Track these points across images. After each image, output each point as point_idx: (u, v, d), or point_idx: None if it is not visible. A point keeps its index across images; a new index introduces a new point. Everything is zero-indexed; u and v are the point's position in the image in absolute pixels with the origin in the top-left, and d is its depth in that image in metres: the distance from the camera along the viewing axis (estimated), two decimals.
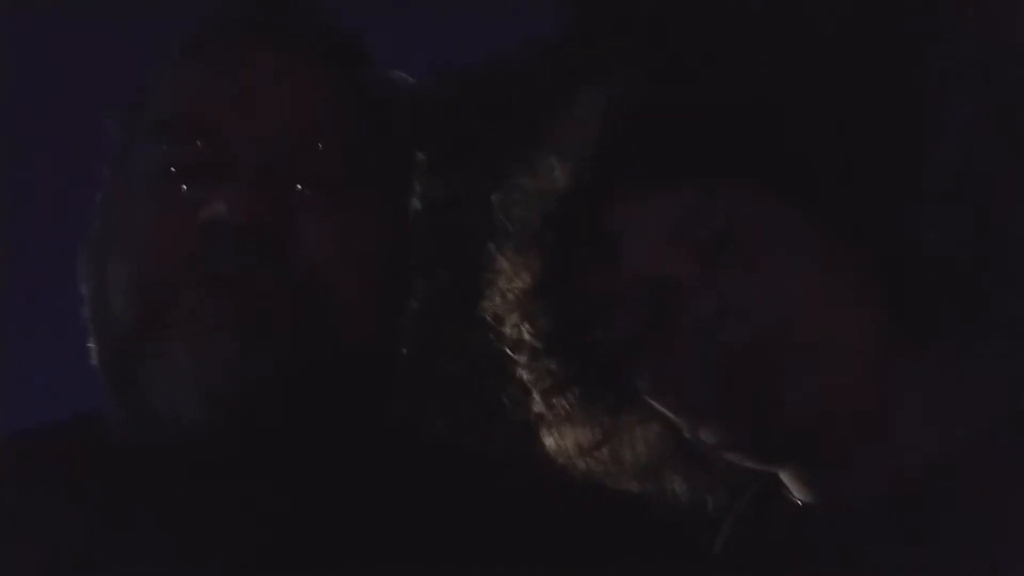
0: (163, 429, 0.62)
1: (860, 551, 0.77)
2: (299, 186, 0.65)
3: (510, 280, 0.89)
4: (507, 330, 0.90)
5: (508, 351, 0.91)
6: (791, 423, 0.76)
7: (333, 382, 0.64)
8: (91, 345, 0.69)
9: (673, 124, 0.82)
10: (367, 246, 0.67)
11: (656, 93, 0.85)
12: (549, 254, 0.86)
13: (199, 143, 0.65)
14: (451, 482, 0.67)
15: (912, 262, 0.79)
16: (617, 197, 0.82)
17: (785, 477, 0.85)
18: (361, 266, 0.67)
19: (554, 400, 0.89)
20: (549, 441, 0.91)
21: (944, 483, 0.75)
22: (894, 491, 0.77)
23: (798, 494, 0.85)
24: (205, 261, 0.62)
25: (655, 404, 0.85)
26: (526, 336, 0.89)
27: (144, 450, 0.66)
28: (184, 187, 0.65)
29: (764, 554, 0.86)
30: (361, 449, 0.67)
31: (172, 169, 0.65)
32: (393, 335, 0.73)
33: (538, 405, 0.91)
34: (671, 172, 0.80)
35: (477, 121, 4.75)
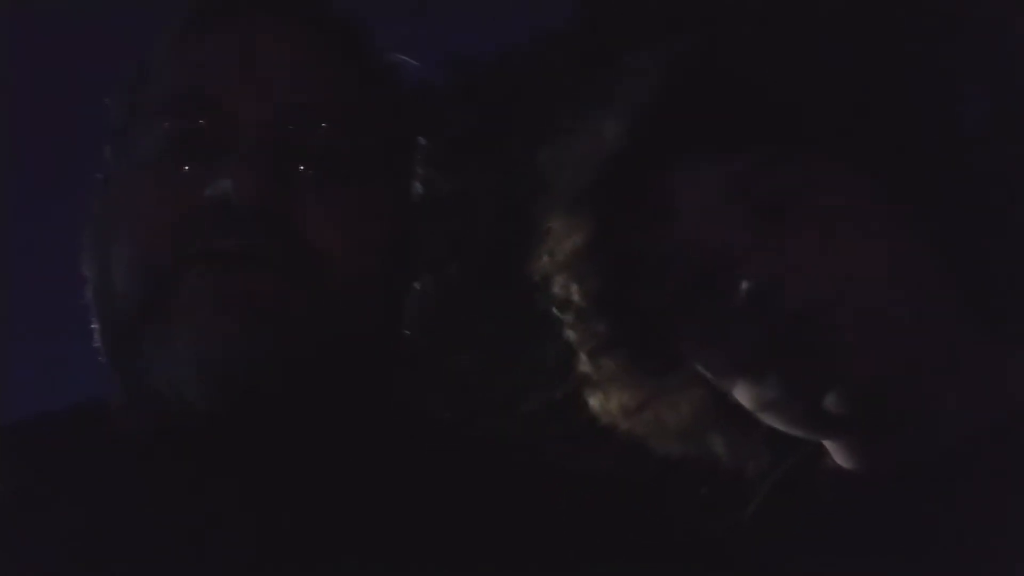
0: (166, 409, 0.62)
1: (899, 520, 0.78)
2: (302, 166, 0.65)
3: (559, 240, 0.89)
4: (555, 290, 0.90)
5: (555, 311, 0.91)
6: (845, 393, 0.76)
7: (335, 363, 0.64)
8: (94, 326, 0.69)
9: (732, 89, 0.81)
10: (370, 226, 0.67)
11: (715, 57, 0.85)
12: (601, 216, 0.86)
13: (203, 121, 0.65)
14: (455, 466, 0.67)
15: (975, 233, 0.79)
16: (673, 160, 0.82)
17: (830, 444, 0.86)
18: (364, 246, 0.66)
19: (600, 361, 0.90)
20: (593, 401, 0.91)
21: (994, 455, 0.75)
22: (942, 461, 0.77)
23: (842, 461, 0.85)
24: (208, 239, 0.62)
25: (703, 371, 0.86)
26: (574, 296, 0.89)
27: (148, 432, 0.66)
28: (187, 165, 0.64)
29: (797, 522, 0.86)
30: (364, 431, 0.67)
31: (175, 147, 0.65)
32: (396, 317, 0.73)
33: (584, 365, 0.91)
34: (729, 137, 0.80)
35: (485, 111, 4.75)
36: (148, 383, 0.63)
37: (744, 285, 0.77)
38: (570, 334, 0.91)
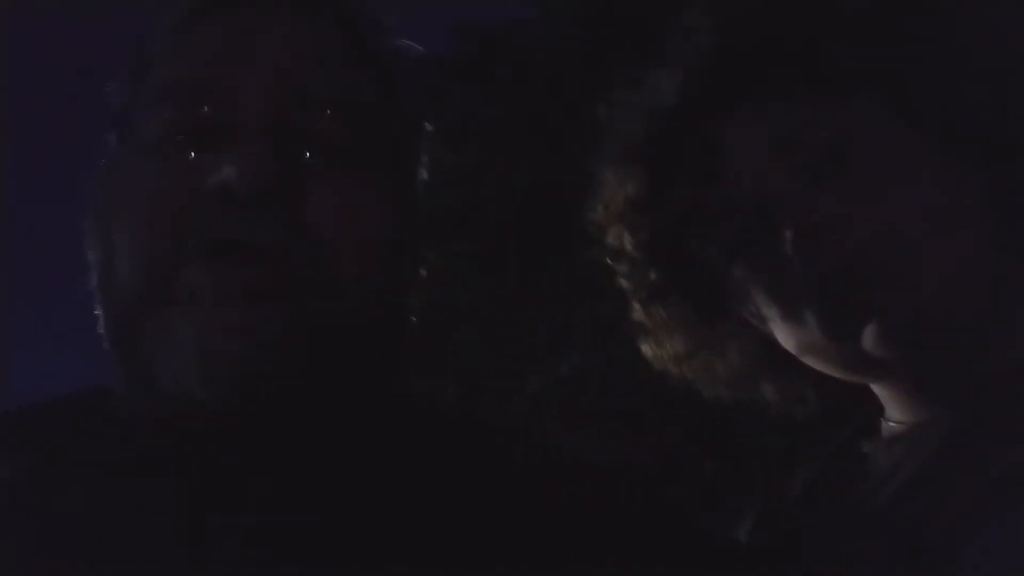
0: (168, 400, 0.62)
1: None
2: (306, 153, 0.64)
3: (613, 192, 0.91)
4: (609, 240, 0.93)
5: (608, 260, 0.94)
6: (894, 335, 0.78)
7: (338, 352, 0.63)
8: (97, 315, 0.69)
9: (785, 39, 0.83)
10: (374, 214, 0.67)
11: (768, 7, 0.87)
12: (655, 166, 0.88)
13: (205, 108, 0.64)
14: (459, 457, 0.67)
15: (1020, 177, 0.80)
16: (725, 111, 0.84)
17: (879, 391, 0.87)
18: (368, 234, 0.66)
19: (652, 309, 0.92)
20: (645, 348, 0.94)
21: None
22: (990, 415, 0.78)
23: (891, 411, 0.86)
24: (210, 229, 0.61)
25: (751, 317, 0.87)
26: (627, 246, 0.91)
27: (151, 421, 0.65)
28: (190, 153, 0.64)
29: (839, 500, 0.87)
30: (367, 421, 0.67)
31: (178, 135, 0.65)
32: (401, 305, 0.72)
33: (637, 313, 0.93)
34: (781, 87, 0.82)
35: (495, 88, 4.76)
36: (151, 372, 0.62)
37: (791, 230, 0.79)
38: (623, 283, 0.93)
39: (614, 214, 0.92)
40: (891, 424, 0.87)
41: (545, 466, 0.70)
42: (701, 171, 0.85)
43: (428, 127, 0.77)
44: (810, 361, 0.86)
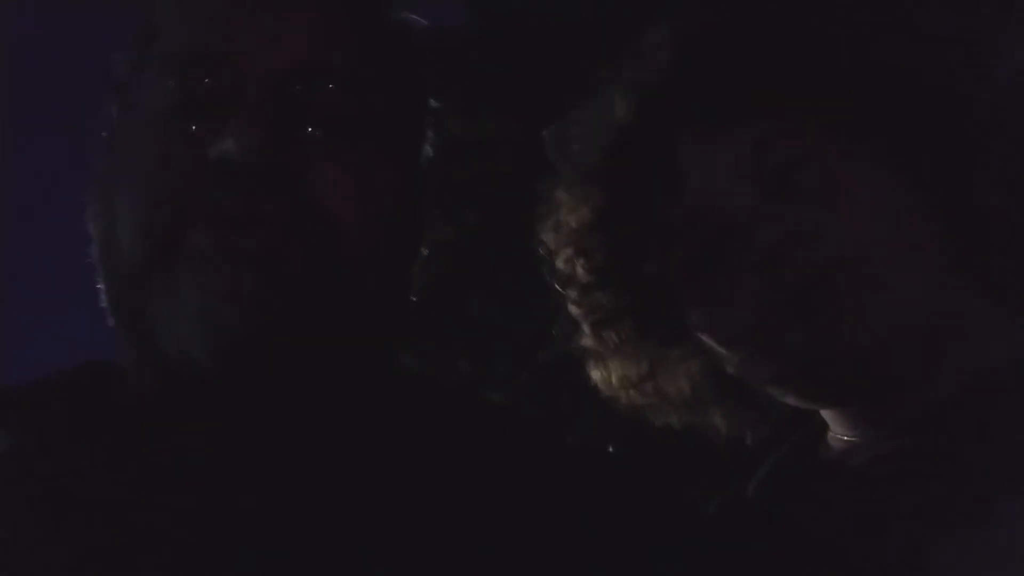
0: (170, 369, 0.62)
1: (892, 503, 0.78)
2: (310, 127, 0.64)
3: (567, 213, 0.90)
4: (559, 264, 0.92)
5: (558, 286, 0.93)
6: (847, 357, 0.77)
7: (338, 323, 0.64)
8: (100, 285, 0.69)
9: (742, 59, 0.82)
10: (376, 189, 0.67)
11: (726, 27, 0.85)
12: (611, 187, 0.87)
13: (208, 79, 0.64)
14: (458, 431, 0.67)
15: (971, 200, 0.80)
16: (683, 131, 0.83)
17: (828, 415, 0.87)
18: (369, 209, 0.66)
19: (603, 333, 0.91)
20: (595, 374, 0.93)
21: (990, 422, 0.76)
22: (938, 434, 0.78)
23: (839, 431, 0.86)
24: (212, 198, 0.61)
25: (706, 338, 0.87)
26: (579, 270, 0.91)
27: (154, 391, 0.66)
28: (193, 124, 0.64)
29: (795, 501, 0.87)
30: (366, 395, 0.67)
31: (181, 105, 0.64)
32: (402, 280, 0.73)
33: (587, 339, 0.93)
34: (739, 107, 0.81)
35: (507, 62, 4.71)
36: (153, 337, 0.63)
37: (751, 251, 0.78)
38: (573, 309, 0.93)
39: (567, 236, 0.91)
40: (843, 438, 0.87)
41: (541, 448, 0.70)
42: (660, 189, 0.85)
43: (435, 102, 0.76)
44: (770, 389, 0.85)
